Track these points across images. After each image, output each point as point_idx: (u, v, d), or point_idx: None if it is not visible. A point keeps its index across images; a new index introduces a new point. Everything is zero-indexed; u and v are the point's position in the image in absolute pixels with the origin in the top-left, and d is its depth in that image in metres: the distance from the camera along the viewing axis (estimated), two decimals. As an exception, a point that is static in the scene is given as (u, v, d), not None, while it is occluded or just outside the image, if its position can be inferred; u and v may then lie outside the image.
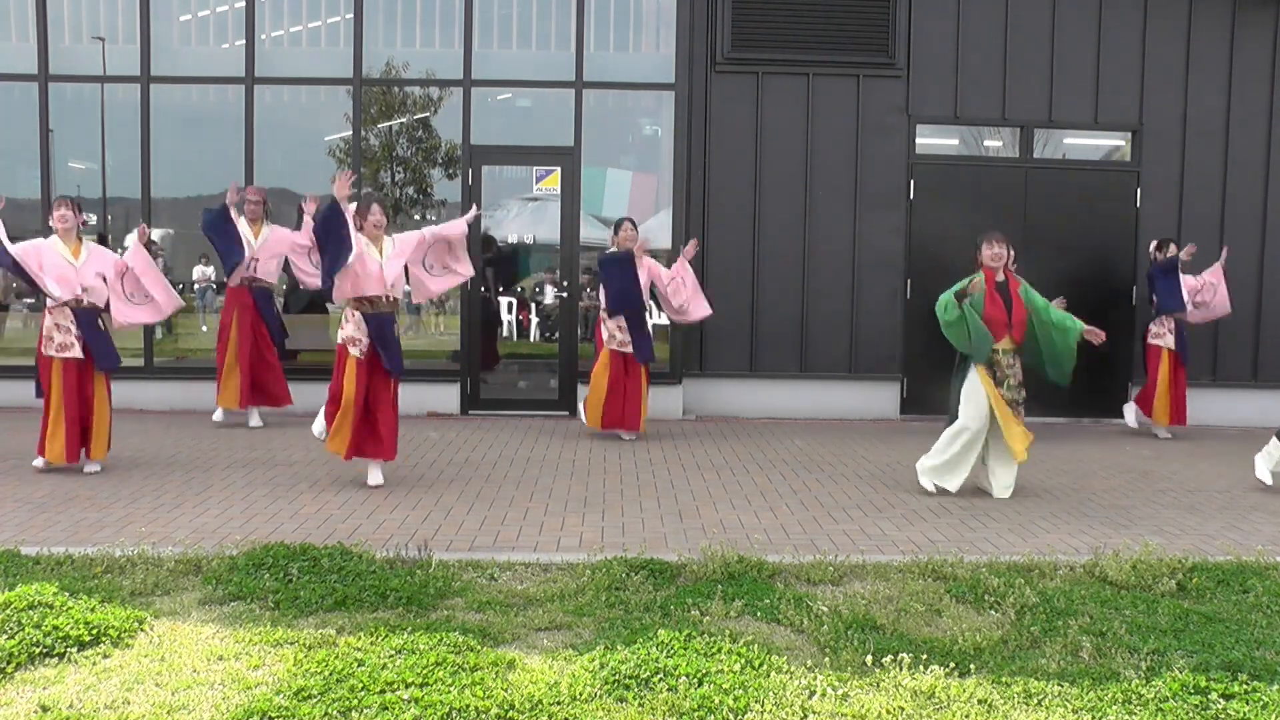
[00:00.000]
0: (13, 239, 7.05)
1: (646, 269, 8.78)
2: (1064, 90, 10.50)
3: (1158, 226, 10.41)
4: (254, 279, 9.08)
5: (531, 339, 11.60)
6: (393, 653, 3.91)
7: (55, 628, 4.01)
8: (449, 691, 3.58)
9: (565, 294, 10.35)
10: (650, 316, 9.38)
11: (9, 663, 3.82)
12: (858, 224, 10.47)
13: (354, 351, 6.76)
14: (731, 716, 3.48)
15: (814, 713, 3.55)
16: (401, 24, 10.54)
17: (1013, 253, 7.05)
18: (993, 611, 4.55)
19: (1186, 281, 9.65)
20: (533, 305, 11.50)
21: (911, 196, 10.50)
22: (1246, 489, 7.46)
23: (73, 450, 7.08)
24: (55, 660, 3.90)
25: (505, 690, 3.64)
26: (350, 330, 6.79)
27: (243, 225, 9.11)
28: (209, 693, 3.65)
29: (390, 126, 10.74)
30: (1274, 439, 7.42)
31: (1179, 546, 5.72)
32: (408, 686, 3.60)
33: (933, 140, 10.67)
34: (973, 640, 4.16)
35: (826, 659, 4.00)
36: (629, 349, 8.74)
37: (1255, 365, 10.75)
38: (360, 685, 3.61)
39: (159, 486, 6.83)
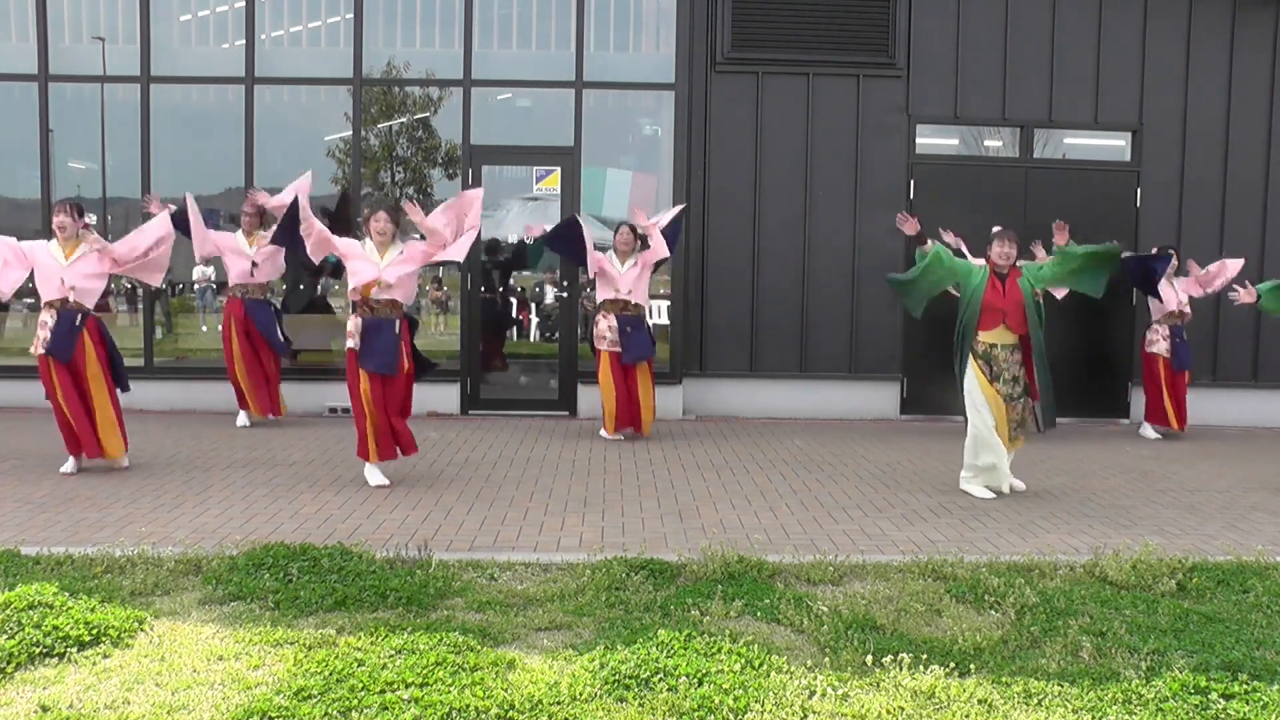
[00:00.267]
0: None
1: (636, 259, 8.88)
2: (1064, 90, 10.50)
3: (1158, 226, 10.42)
4: (245, 289, 9.10)
5: (531, 339, 11.60)
6: (393, 653, 3.90)
7: (55, 628, 4.01)
8: (449, 691, 3.58)
9: (565, 294, 10.35)
10: (650, 316, 9.38)
11: (9, 663, 3.82)
12: (858, 224, 10.47)
13: (352, 344, 6.92)
14: (731, 716, 3.48)
15: (814, 713, 3.55)
16: (401, 24, 10.54)
17: (1017, 249, 7.11)
18: (993, 611, 4.55)
19: (1187, 285, 9.65)
20: (533, 305, 11.50)
21: (911, 196, 10.50)
22: (1246, 489, 7.45)
23: (72, 443, 7.07)
24: (55, 660, 3.90)
25: (505, 690, 3.64)
26: (350, 329, 6.93)
27: (239, 237, 9.16)
28: (209, 693, 3.65)
29: (390, 126, 10.74)
30: None
31: (1179, 546, 5.72)
32: (408, 686, 3.60)
33: (933, 140, 10.67)
34: (973, 640, 4.16)
35: (826, 659, 4.00)
36: (618, 348, 8.78)
37: (1255, 365, 10.75)
38: (360, 685, 3.61)
39: (159, 486, 6.83)
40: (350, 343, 6.88)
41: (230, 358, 9.17)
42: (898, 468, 7.96)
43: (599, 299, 8.94)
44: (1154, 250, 9.77)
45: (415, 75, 10.55)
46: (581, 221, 9.07)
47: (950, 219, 10.38)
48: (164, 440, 8.51)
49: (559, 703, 3.57)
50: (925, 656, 3.97)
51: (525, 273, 11.27)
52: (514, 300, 11.28)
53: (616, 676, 3.71)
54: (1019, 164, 10.61)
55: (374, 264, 6.87)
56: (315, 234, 6.97)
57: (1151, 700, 3.65)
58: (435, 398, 10.07)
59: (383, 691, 3.57)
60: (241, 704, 3.53)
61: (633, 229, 8.94)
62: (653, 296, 9.50)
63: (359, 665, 3.79)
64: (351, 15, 10.22)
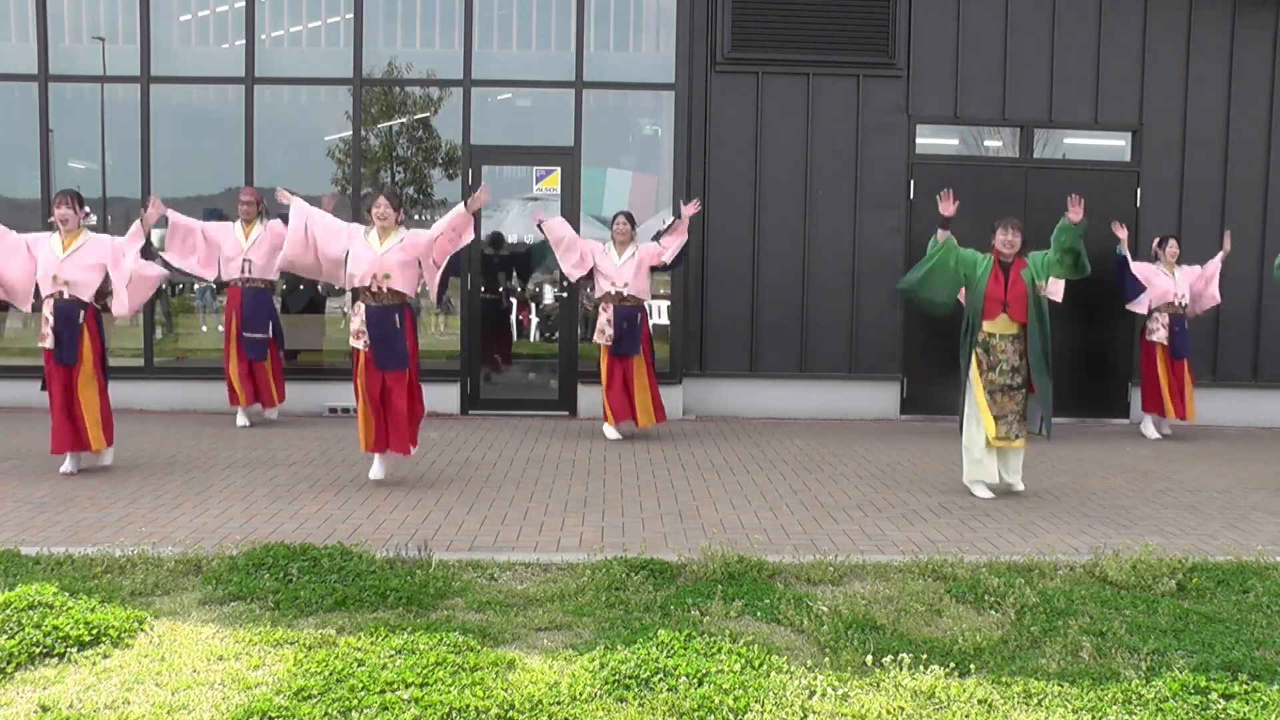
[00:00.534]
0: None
1: (636, 254, 8.88)
2: (1064, 90, 10.50)
3: (1158, 226, 10.42)
4: (248, 279, 9.13)
5: (531, 339, 11.60)
6: (393, 653, 3.90)
7: (55, 628, 4.01)
8: (449, 691, 3.58)
9: (565, 294, 10.35)
10: (651, 316, 9.38)
11: (9, 663, 3.82)
12: (858, 224, 10.47)
13: (357, 345, 6.81)
14: (731, 716, 3.48)
15: (814, 713, 3.55)
16: (401, 24, 10.54)
17: (1023, 238, 7.04)
18: (993, 611, 4.55)
19: (1187, 272, 9.69)
20: (532, 305, 11.51)
21: (911, 196, 10.50)
22: (1246, 489, 7.45)
23: (59, 441, 7.00)
24: (55, 660, 3.89)
25: (505, 690, 3.64)
26: (354, 323, 6.83)
27: (237, 228, 9.18)
28: (209, 693, 3.65)
29: (390, 126, 10.74)
30: None
31: (1179, 546, 5.72)
32: (408, 686, 3.60)
33: (933, 140, 10.67)
34: (973, 640, 4.16)
35: (826, 659, 4.00)
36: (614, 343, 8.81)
37: (1255, 365, 10.75)
38: (360, 685, 3.61)
39: (159, 486, 6.82)
40: (355, 340, 6.78)
41: (227, 347, 9.20)
42: (898, 468, 7.96)
43: (598, 293, 8.95)
44: (1155, 240, 9.82)
45: (415, 75, 10.55)
46: (563, 249, 8.99)
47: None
48: (164, 440, 8.51)
49: (559, 703, 3.57)
50: (925, 656, 3.97)
51: (536, 274, 11.26)
52: (514, 300, 11.29)
53: (616, 676, 3.71)
54: (1019, 164, 10.61)
55: (372, 250, 6.76)
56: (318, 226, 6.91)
57: (1151, 700, 3.65)
58: (435, 398, 10.06)
59: (383, 691, 3.57)
60: (241, 704, 3.53)
61: (629, 219, 8.93)
62: (653, 296, 9.49)
63: (359, 665, 3.79)
64: (351, 15, 10.22)
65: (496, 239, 10.65)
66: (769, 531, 5.96)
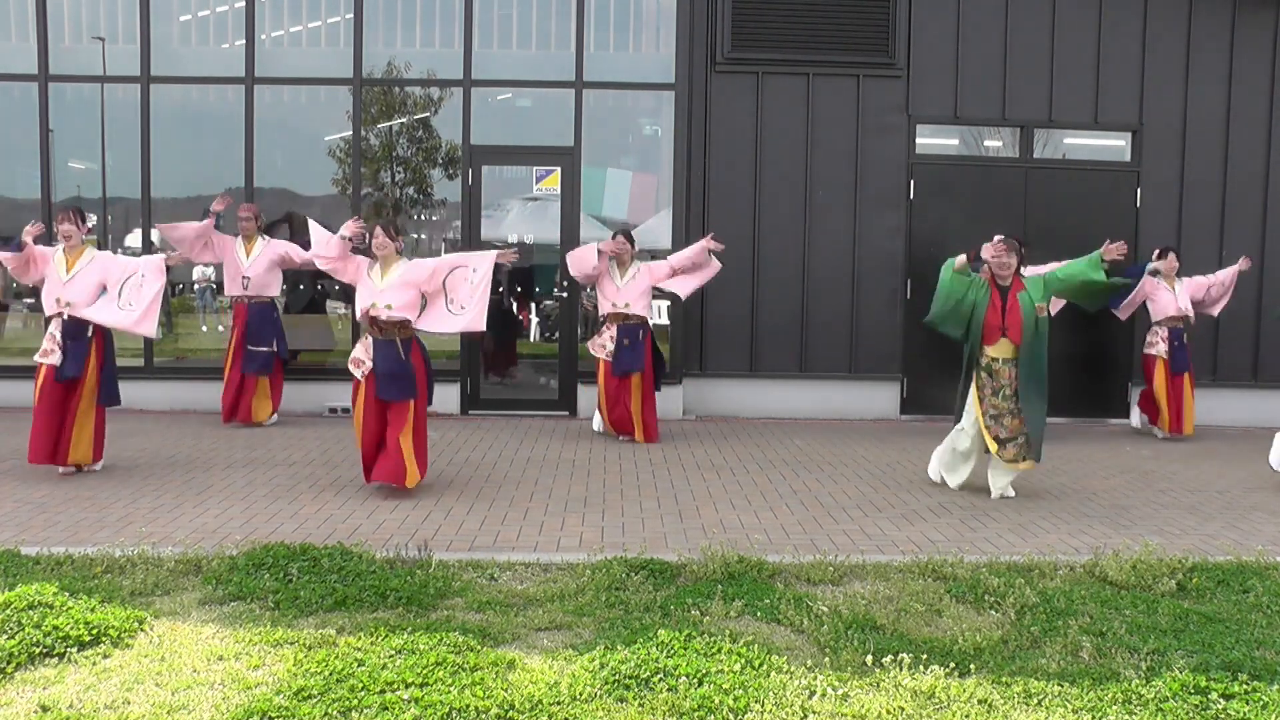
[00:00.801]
0: (10, 239, 7.07)
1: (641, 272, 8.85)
2: (1064, 90, 10.50)
3: (1158, 226, 10.42)
4: (250, 296, 9.14)
5: (531, 339, 11.60)
6: (393, 653, 3.91)
7: (55, 628, 4.01)
8: (449, 691, 3.58)
9: (565, 294, 10.35)
10: (651, 317, 9.37)
11: (9, 663, 3.82)
12: (858, 224, 10.47)
13: (355, 373, 6.69)
14: (731, 716, 3.48)
15: (814, 713, 3.55)
16: (401, 24, 10.54)
17: (1021, 256, 6.92)
18: (993, 611, 4.55)
19: (1188, 284, 9.67)
20: (532, 305, 11.51)
21: (911, 196, 10.50)
22: (1246, 489, 7.45)
23: (37, 451, 6.89)
24: (55, 660, 3.90)
25: (505, 690, 3.64)
26: (357, 351, 6.71)
27: (238, 244, 9.19)
28: (209, 693, 3.65)
29: (390, 126, 10.74)
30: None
31: (1179, 546, 5.72)
32: (408, 686, 3.60)
33: (933, 140, 10.67)
34: (973, 640, 4.16)
35: (826, 659, 4.00)
36: (612, 360, 8.77)
37: (1255, 365, 10.75)
38: (360, 685, 3.61)
39: (159, 486, 6.82)
40: (354, 369, 6.67)
41: (226, 361, 9.28)
42: (898, 468, 7.96)
43: (600, 312, 8.96)
44: (1155, 252, 9.78)
45: (415, 75, 10.55)
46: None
47: (950, 219, 10.40)
48: (164, 440, 8.51)
49: (559, 703, 3.57)
50: (925, 656, 3.97)
51: (539, 289, 11.27)
52: (514, 300, 11.29)
53: (616, 676, 3.71)
54: (1019, 164, 10.61)
55: (373, 287, 6.63)
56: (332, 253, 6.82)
57: (1151, 700, 3.65)
58: (435, 398, 10.04)
59: (383, 691, 3.57)
60: (241, 704, 3.53)
61: (629, 237, 8.90)
62: (654, 297, 9.48)
63: (359, 665, 3.79)
64: (351, 15, 10.22)
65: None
66: (769, 531, 5.96)
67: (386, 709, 3.47)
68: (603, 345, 8.81)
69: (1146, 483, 7.62)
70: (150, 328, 7.06)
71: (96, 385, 7.08)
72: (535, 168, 10.39)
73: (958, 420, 7.06)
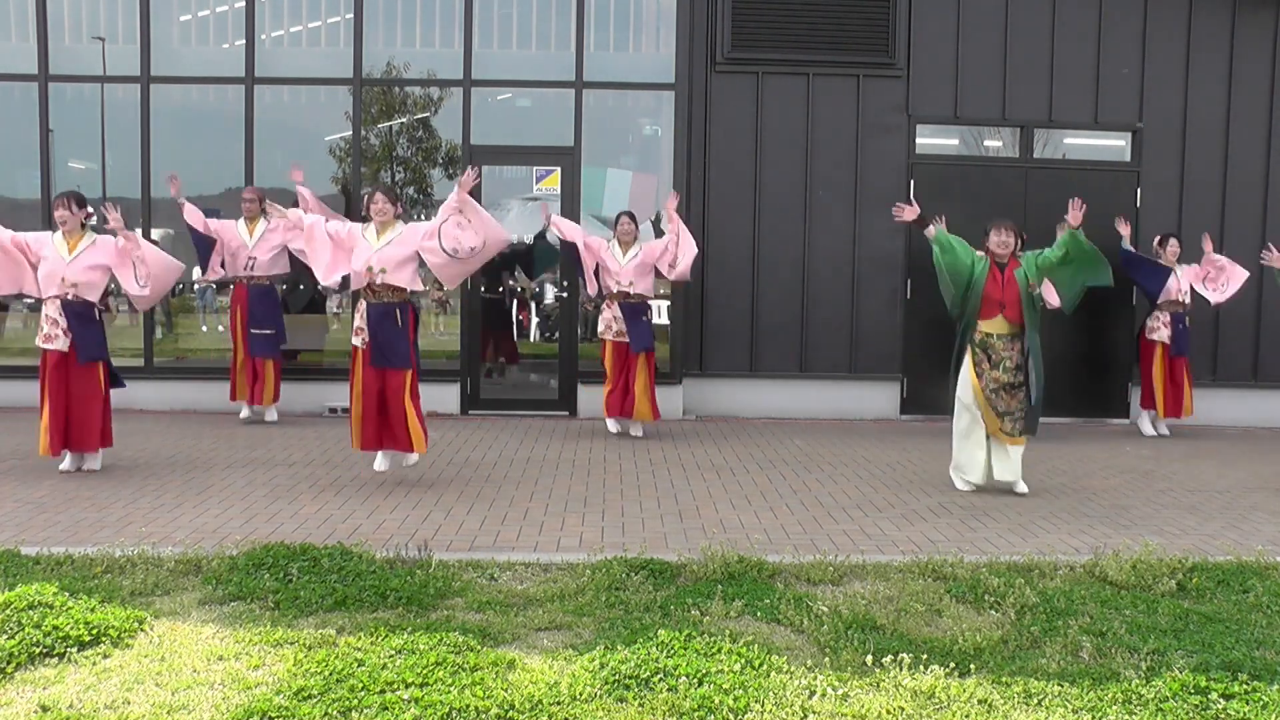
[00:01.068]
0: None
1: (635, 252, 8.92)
2: (1064, 90, 10.50)
3: (1158, 227, 10.41)
4: (252, 276, 9.19)
5: (531, 339, 11.60)
6: (393, 653, 3.90)
7: (55, 628, 4.01)
8: (449, 691, 3.57)
9: (565, 294, 10.35)
10: (651, 314, 9.38)
11: (9, 663, 3.82)
12: (858, 224, 10.47)
13: (355, 341, 6.79)
14: (731, 716, 3.48)
15: (814, 713, 3.55)
16: (401, 24, 10.54)
17: (1021, 240, 7.13)
18: (993, 611, 4.55)
19: (1189, 270, 9.71)
20: (532, 305, 11.51)
21: (911, 196, 10.48)
22: (1246, 489, 7.45)
23: (55, 443, 6.97)
24: (55, 660, 3.89)
25: (505, 690, 3.64)
26: (356, 320, 6.81)
27: (240, 225, 9.25)
28: (209, 693, 3.65)
29: (390, 126, 10.74)
30: None
31: (1179, 546, 5.72)
32: (408, 686, 3.60)
33: (933, 140, 10.67)
34: (973, 640, 4.16)
35: (826, 659, 4.00)
36: (625, 339, 8.84)
37: (1255, 365, 10.75)
38: (360, 685, 3.61)
39: (159, 486, 6.82)
40: (355, 338, 6.76)
41: (234, 344, 9.33)
42: (898, 468, 7.96)
43: (603, 291, 9.00)
44: (1156, 239, 9.82)
45: (415, 75, 10.55)
46: (581, 248, 9.01)
47: (950, 219, 10.34)
48: (164, 440, 8.51)
49: (559, 703, 3.57)
50: (925, 656, 3.97)
51: (544, 274, 11.26)
52: (514, 300, 11.30)
53: (616, 676, 3.71)
54: (1019, 164, 10.61)
55: (369, 246, 6.71)
56: (305, 229, 6.90)
57: (1151, 700, 3.65)
58: (435, 398, 10.06)
59: (383, 691, 3.57)
60: (241, 704, 3.53)
61: (633, 218, 8.98)
62: (654, 296, 9.51)
63: (359, 665, 3.79)
64: (351, 15, 10.22)
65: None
66: (769, 531, 5.96)
67: (386, 709, 3.47)
68: (608, 326, 8.92)
69: (1146, 483, 7.62)
70: (150, 291, 7.27)
71: (104, 370, 7.14)
72: (535, 168, 10.40)
73: (952, 404, 7.08)
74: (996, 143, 10.79)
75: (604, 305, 9.01)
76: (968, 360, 6.94)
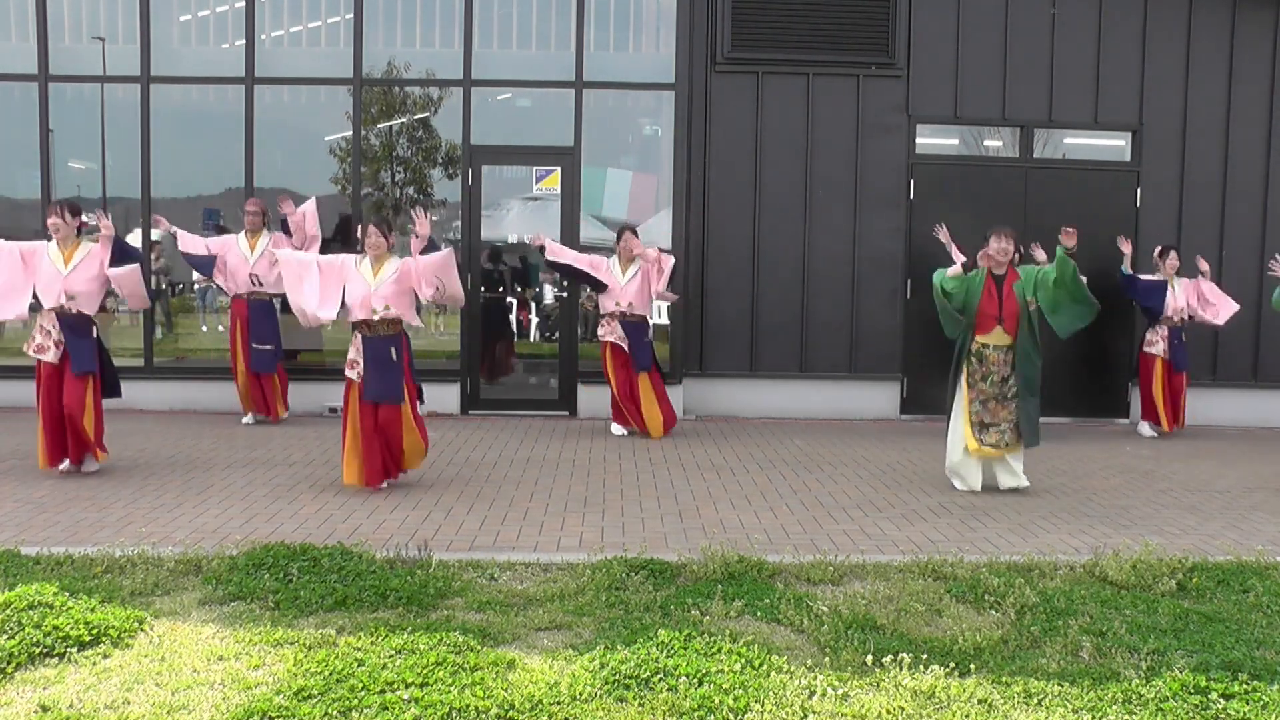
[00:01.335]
0: (11, 240, 7.07)
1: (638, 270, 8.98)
2: (1064, 90, 10.50)
3: (1158, 226, 10.42)
4: (253, 291, 9.16)
5: (531, 339, 11.60)
6: (393, 653, 3.90)
7: (55, 628, 4.01)
8: (449, 691, 3.58)
9: (565, 294, 10.35)
10: (651, 317, 9.39)
11: (9, 663, 3.82)
12: (858, 224, 10.47)
13: (350, 374, 6.70)
14: (731, 716, 3.48)
15: (814, 713, 3.55)
16: (401, 24, 10.54)
17: (1019, 250, 7.09)
18: (993, 611, 4.55)
19: (1187, 285, 9.70)
20: (532, 305, 11.51)
21: (911, 196, 10.50)
22: (1246, 489, 7.45)
23: (51, 455, 6.92)
24: (55, 660, 3.89)
25: (505, 690, 3.64)
26: (350, 353, 6.72)
27: (241, 240, 9.21)
28: (209, 693, 3.65)
29: (390, 126, 10.74)
30: None
31: (1179, 546, 5.72)
32: (408, 686, 3.60)
33: (933, 140, 10.67)
34: (973, 640, 4.16)
35: (826, 659, 4.00)
36: (625, 343, 8.91)
37: (1255, 365, 10.75)
38: (360, 685, 3.61)
39: (159, 486, 6.82)
40: (349, 370, 6.67)
41: (234, 358, 9.30)
42: (898, 468, 7.96)
43: (602, 310, 9.04)
44: (1156, 250, 9.81)
45: (415, 75, 10.55)
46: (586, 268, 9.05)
47: (950, 219, 10.37)
48: (164, 440, 8.51)
49: (559, 703, 3.57)
50: (925, 656, 3.97)
51: (543, 275, 11.27)
52: (514, 300, 11.29)
53: (616, 676, 3.71)
54: (1019, 164, 10.61)
55: (366, 283, 6.65)
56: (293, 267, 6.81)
57: (1151, 700, 3.65)
58: (435, 398, 10.06)
59: (383, 691, 3.57)
60: (241, 704, 3.53)
61: (635, 233, 9.00)
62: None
63: (359, 665, 3.79)
64: (351, 15, 10.22)
65: (494, 253, 10.66)
66: (769, 531, 5.96)
67: (386, 709, 3.47)
68: (611, 331, 8.97)
69: (1146, 483, 7.62)
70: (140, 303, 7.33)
71: (97, 380, 7.04)
72: (535, 168, 10.40)
73: (949, 410, 7.09)
74: (996, 143, 10.79)
75: (604, 321, 9.04)
76: (963, 375, 6.94)
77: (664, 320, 10.40)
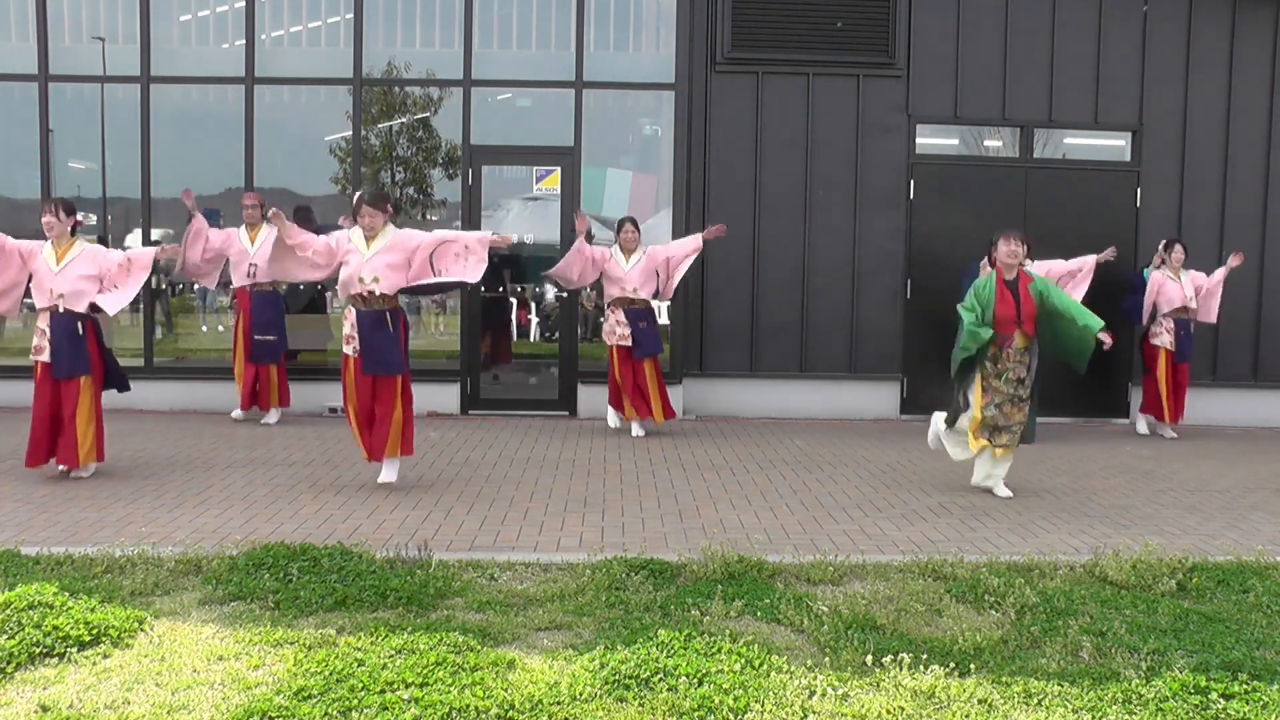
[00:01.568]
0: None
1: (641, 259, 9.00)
2: (1064, 90, 10.50)
3: (1158, 226, 10.42)
4: (256, 283, 9.18)
5: (532, 339, 11.60)
6: (393, 653, 3.90)
7: (55, 628, 4.01)
8: (449, 691, 3.57)
9: (565, 294, 10.34)
10: (655, 317, 9.39)
11: (9, 663, 3.82)
12: (858, 224, 10.47)
13: (347, 349, 6.76)
14: (731, 716, 3.48)
15: (814, 713, 3.55)
16: (401, 24, 10.54)
17: (1026, 248, 7.00)
18: (993, 611, 4.55)
19: (1194, 276, 9.72)
20: (532, 305, 11.51)
21: (911, 196, 10.50)
22: (1246, 489, 7.45)
23: (34, 454, 6.78)
24: (55, 660, 3.89)
25: (505, 690, 3.64)
26: (345, 328, 6.77)
27: (241, 232, 9.24)
28: (209, 693, 3.65)
29: (390, 126, 10.74)
30: None
31: (1179, 546, 5.72)
32: (408, 686, 3.60)
33: (933, 140, 10.67)
34: (973, 640, 4.16)
35: (826, 659, 3.99)
36: (628, 342, 8.87)
37: (1255, 365, 10.76)
38: (360, 685, 3.61)
39: (159, 486, 6.82)
40: (346, 345, 6.72)
41: (235, 350, 9.33)
42: (898, 468, 7.96)
43: (607, 298, 9.02)
44: (1162, 244, 9.83)
45: (415, 75, 10.55)
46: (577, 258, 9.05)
47: (950, 219, 10.40)
48: (164, 440, 8.51)
49: (559, 703, 3.57)
50: (925, 656, 3.97)
51: (534, 278, 11.28)
52: (514, 300, 11.29)
53: (616, 676, 3.71)
54: (1019, 164, 10.61)
55: (360, 254, 6.68)
56: (298, 243, 6.84)
57: (1151, 700, 3.65)
58: (435, 398, 10.07)
59: (383, 691, 3.57)
60: (241, 704, 3.53)
61: (635, 224, 9.03)
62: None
63: (359, 665, 3.79)
64: (351, 15, 10.22)
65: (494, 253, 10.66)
66: (769, 531, 5.96)
67: (386, 709, 3.47)
68: (612, 331, 8.97)
69: (1146, 483, 7.62)
70: (113, 307, 7.00)
71: (96, 380, 6.94)
72: (535, 168, 10.40)
73: (955, 409, 7.00)
74: (996, 143, 10.80)
75: (609, 311, 9.03)
76: (977, 374, 6.82)
77: (664, 320, 10.41)
